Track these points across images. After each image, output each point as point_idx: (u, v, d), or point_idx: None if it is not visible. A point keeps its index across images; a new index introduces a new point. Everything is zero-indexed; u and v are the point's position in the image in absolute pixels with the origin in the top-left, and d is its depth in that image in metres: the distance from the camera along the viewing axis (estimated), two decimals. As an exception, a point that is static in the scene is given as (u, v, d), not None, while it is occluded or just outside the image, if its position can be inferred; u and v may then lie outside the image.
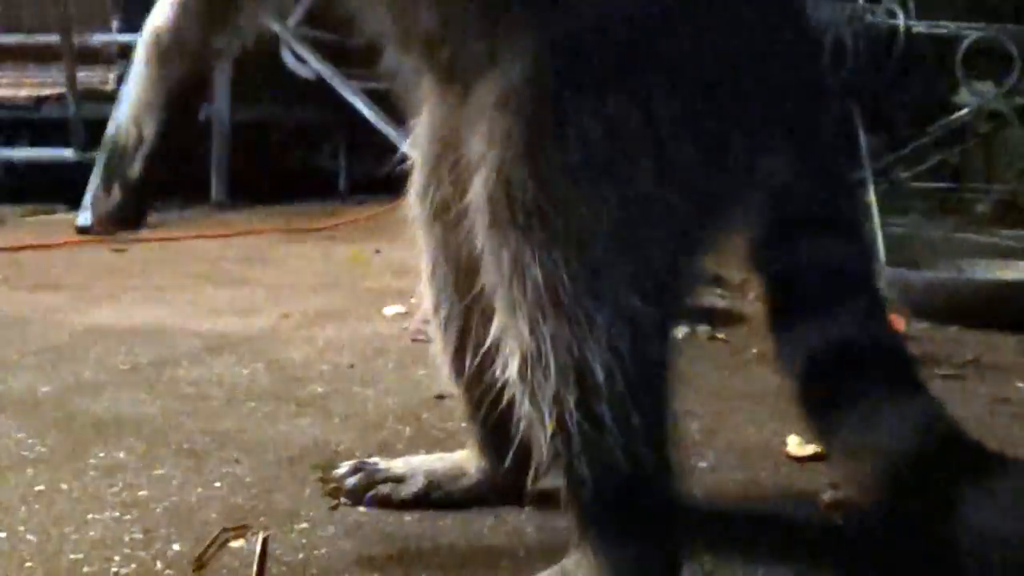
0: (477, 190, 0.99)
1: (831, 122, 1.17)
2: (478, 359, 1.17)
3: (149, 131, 1.02)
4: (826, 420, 1.10)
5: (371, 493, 1.29)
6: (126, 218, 1.05)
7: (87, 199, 3.84)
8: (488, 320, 1.03)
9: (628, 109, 0.96)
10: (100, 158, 1.02)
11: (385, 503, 1.28)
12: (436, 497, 1.29)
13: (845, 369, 1.09)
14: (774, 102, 1.05)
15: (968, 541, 1.01)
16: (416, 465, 1.32)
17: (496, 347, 1.02)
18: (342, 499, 1.29)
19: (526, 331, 0.96)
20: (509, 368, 0.99)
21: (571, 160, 0.95)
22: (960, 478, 1.03)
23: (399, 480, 1.29)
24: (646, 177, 0.96)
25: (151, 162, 1.02)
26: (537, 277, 0.95)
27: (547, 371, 0.96)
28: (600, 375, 0.95)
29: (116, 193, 1.04)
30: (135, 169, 1.03)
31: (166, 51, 1.01)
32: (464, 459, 1.32)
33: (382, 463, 1.33)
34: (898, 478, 1.06)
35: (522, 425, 1.00)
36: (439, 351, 1.26)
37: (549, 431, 0.98)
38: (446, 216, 1.17)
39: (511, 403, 1.03)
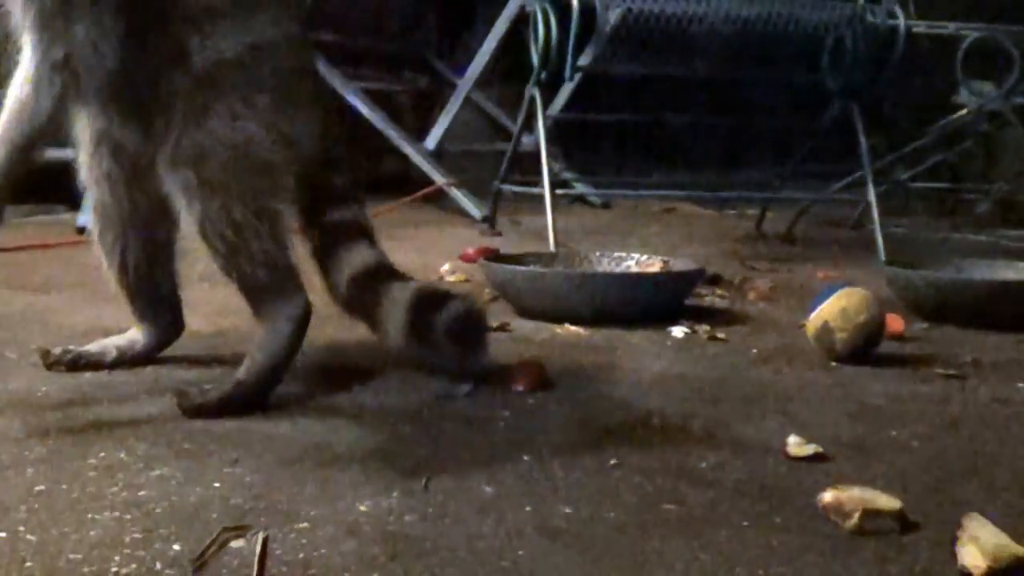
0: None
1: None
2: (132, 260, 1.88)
3: None
4: (370, 316, 1.86)
5: (73, 359, 1.86)
6: None
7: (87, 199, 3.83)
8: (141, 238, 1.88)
9: None
10: None
11: (89, 367, 1.87)
12: (126, 359, 1.90)
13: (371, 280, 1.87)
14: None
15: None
16: (106, 343, 1.92)
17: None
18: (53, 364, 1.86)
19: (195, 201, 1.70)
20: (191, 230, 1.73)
21: None
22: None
23: (100, 355, 1.89)
24: None
25: None
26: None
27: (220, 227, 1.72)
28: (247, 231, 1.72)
29: None
30: None
31: None
32: (133, 334, 1.94)
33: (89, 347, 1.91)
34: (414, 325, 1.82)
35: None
36: (104, 263, 1.89)
37: (224, 260, 1.74)
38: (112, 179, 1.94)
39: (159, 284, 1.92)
